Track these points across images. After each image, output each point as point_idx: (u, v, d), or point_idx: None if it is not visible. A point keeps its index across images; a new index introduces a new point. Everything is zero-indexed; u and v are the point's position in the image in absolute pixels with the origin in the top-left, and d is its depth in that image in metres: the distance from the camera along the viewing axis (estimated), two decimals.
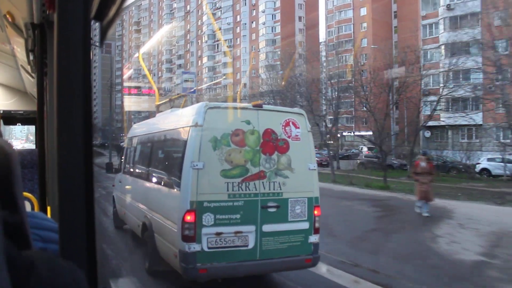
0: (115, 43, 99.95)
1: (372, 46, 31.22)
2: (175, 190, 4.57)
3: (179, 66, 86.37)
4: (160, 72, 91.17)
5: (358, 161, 31.32)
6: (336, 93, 31.73)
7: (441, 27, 37.07)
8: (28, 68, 3.28)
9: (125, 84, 21.02)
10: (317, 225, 4.77)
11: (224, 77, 64.70)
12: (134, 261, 5.87)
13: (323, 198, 4.97)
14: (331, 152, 27.18)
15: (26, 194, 2.89)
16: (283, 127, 4.69)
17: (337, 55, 56.52)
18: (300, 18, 72.31)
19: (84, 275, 0.65)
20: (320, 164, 32.17)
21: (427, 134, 37.06)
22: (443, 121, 29.13)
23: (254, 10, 75.33)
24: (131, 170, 7.07)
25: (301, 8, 72.55)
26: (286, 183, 4.62)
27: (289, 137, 4.70)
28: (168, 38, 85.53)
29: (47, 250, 0.78)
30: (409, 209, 11.07)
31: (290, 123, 4.73)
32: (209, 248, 4.28)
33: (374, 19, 62.89)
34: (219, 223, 4.33)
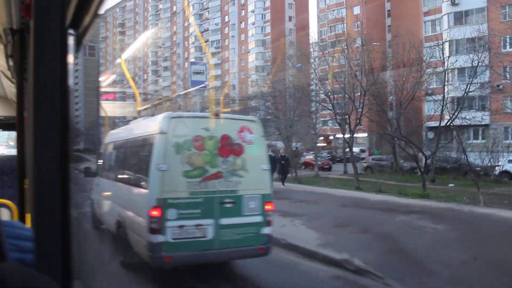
0: (99, 45, 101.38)
1: (374, 44, 31.66)
2: (144, 189, 5.63)
3: (165, 68, 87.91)
4: (145, 75, 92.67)
5: (365, 165, 31.62)
6: (331, 94, 32.64)
7: (445, 23, 38.27)
8: (8, 73, 3.50)
9: (106, 89, 21.88)
10: (269, 218, 5.84)
11: (207, 82, 66.00)
12: (108, 257, 6.88)
13: (365, 211, 5.11)
14: (335, 154, 27.96)
15: (4, 201, 3.21)
16: (238, 133, 5.78)
17: (329, 55, 58.28)
18: (290, 18, 73.91)
19: None
20: (321, 168, 32.33)
21: (431, 135, 37.39)
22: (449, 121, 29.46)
23: (243, 10, 76.87)
24: (107, 173, 8.13)
25: (291, 8, 74.16)
26: (241, 182, 5.70)
27: (243, 141, 5.79)
28: (154, 40, 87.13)
29: (23, 261, 0.81)
30: (487, 224, 9.76)
31: (245, 129, 5.82)
32: (173, 239, 5.32)
33: (368, 18, 64.53)
34: (181, 217, 5.37)
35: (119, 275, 6.18)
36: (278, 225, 7.87)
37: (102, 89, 22.31)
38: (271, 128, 30.12)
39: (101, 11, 1.10)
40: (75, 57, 1.09)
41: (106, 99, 21.03)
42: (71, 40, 0.91)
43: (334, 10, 69.11)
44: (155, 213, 5.25)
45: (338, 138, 49.62)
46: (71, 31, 0.95)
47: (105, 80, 23.49)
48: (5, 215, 3.19)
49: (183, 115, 5.85)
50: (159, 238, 5.25)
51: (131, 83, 19.68)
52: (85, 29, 1.06)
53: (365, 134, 56.65)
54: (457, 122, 21.61)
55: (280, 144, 42.90)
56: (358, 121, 23.83)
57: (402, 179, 19.16)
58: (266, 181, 5.93)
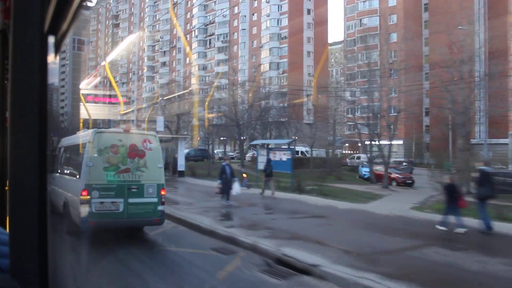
0: (89, 39, 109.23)
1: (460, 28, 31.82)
2: (78, 178, 10.73)
3: (163, 64, 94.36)
4: (140, 71, 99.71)
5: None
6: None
7: None
8: None
9: (88, 91, 26.72)
10: (163, 199, 10.85)
11: (217, 79, 71.23)
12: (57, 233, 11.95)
13: None
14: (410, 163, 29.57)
15: None
16: (142, 142, 10.85)
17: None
18: (308, 11, 78.93)
19: None
20: (402, 184, 30.60)
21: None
22: None
23: (256, 1, 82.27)
24: (59, 169, 13.32)
25: (310, 0, 79.16)
26: (142, 175, 10.72)
27: (145, 148, 10.83)
28: (151, 33, 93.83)
29: None
30: None
31: (146, 140, 10.89)
32: (95, 210, 10.31)
33: (406, 11, 68.69)
34: (101, 196, 10.38)
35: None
36: None
37: (86, 91, 26.87)
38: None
39: (79, 17, 1.30)
40: (55, 59, 1.32)
41: (91, 101, 25.65)
42: (50, 43, 1.11)
43: (365, 1, 74.00)
44: (84, 193, 10.33)
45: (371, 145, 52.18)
46: (50, 35, 1.12)
47: (90, 82, 28.76)
48: None
49: (105, 130, 11.01)
50: (86, 210, 10.32)
51: (115, 87, 24.46)
52: (63, 35, 1.23)
53: (400, 141, 59.66)
54: None
55: (304, 148, 46.93)
56: (392, 126, 26.49)
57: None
58: (161, 175, 10.97)
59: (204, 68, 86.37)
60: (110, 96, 26.08)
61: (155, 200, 10.85)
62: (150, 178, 10.85)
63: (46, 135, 0.98)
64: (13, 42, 0.99)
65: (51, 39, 1.18)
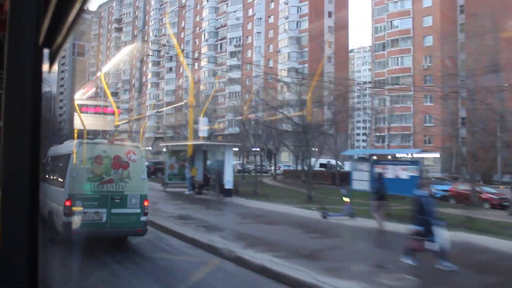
0: (90, 44, 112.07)
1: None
2: (62, 188, 12.04)
3: (170, 70, 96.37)
4: (145, 77, 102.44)
5: None
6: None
7: None
8: None
9: (84, 102, 28.01)
10: (146, 210, 12.10)
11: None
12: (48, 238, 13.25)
13: None
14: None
15: None
16: (126, 154, 12.16)
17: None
18: (329, 13, 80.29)
19: None
20: (497, 206, 27.47)
21: None
22: None
23: (273, 2, 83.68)
24: (45, 178, 14.67)
25: (331, 2, 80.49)
26: (126, 186, 11.99)
27: (129, 159, 12.12)
28: (157, 37, 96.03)
29: None
30: None
31: (130, 152, 12.21)
32: (79, 220, 11.66)
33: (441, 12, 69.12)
34: (85, 206, 11.66)
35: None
36: None
37: (80, 102, 28.20)
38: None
39: (74, 31, 1.39)
40: (51, 69, 1.41)
41: (87, 112, 27.05)
42: (45, 55, 1.18)
43: (397, 1, 74.85)
44: (67, 203, 11.64)
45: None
46: (44, 48, 1.19)
47: (85, 92, 30.30)
48: None
49: (89, 142, 12.40)
50: (70, 219, 11.62)
51: (110, 97, 25.86)
52: (58, 48, 1.32)
53: (436, 155, 60.01)
54: None
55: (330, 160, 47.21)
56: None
57: None
58: (144, 186, 12.27)
59: (213, 74, 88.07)
60: (104, 106, 27.38)
61: (138, 210, 12.12)
62: (133, 189, 12.14)
63: (39, 144, 1.08)
64: (8, 54, 1.10)
65: (46, 51, 1.31)
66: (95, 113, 26.84)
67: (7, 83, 1.07)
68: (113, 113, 28.23)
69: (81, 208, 11.68)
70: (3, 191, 0.97)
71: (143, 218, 12.16)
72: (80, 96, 30.04)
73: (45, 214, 13.30)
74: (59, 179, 12.72)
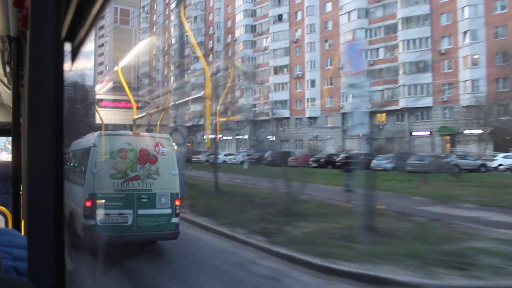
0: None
1: None
2: (82, 187, 10.51)
3: (196, 59, 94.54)
4: (166, 69, 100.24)
5: None
6: None
7: None
8: (5, 80, 4.57)
9: (102, 96, 26.97)
10: (177, 211, 10.51)
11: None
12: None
13: None
14: None
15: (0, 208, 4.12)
16: (154, 146, 10.55)
17: None
18: None
19: None
20: None
21: None
22: None
23: None
24: (66, 175, 13.21)
25: None
26: (154, 183, 10.43)
27: (157, 153, 10.54)
28: (179, 21, 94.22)
29: (16, 269, 1.11)
30: None
31: (159, 144, 10.59)
32: (101, 223, 10.10)
33: None
34: (108, 207, 10.16)
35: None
36: None
37: (99, 96, 27.29)
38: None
39: (97, 24, 1.47)
40: (72, 66, 1.49)
41: (106, 106, 26.09)
42: (67, 50, 1.22)
43: None
44: (88, 204, 10.11)
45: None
46: (66, 43, 1.23)
47: (103, 86, 29.07)
48: (0, 222, 4.21)
49: (111, 133, 10.76)
50: (91, 222, 10.09)
51: (127, 91, 24.57)
52: (80, 42, 1.36)
53: None
54: None
55: None
56: None
57: None
58: (175, 183, 10.64)
59: (251, 60, 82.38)
60: (124, 101, 26.23)
61: (169, 211, 10.59)
62: (163, 186, 10.61)
63: (62, 140, 1.06)
64: (30, 49, 1.09)
65: (68, 47, 1.31)
66: (113, 107, 25.82)
67: (30, 80, 1.07)
68: (131, 107, 26.85)
69: (103, 210, 10.14)
70: (28, 189, 0.99)
71: (174, 220, 10.60)
72: (98, 90, 28.89)
73: (67, 216, 11.83)
74: (79, 177, 11.18)
